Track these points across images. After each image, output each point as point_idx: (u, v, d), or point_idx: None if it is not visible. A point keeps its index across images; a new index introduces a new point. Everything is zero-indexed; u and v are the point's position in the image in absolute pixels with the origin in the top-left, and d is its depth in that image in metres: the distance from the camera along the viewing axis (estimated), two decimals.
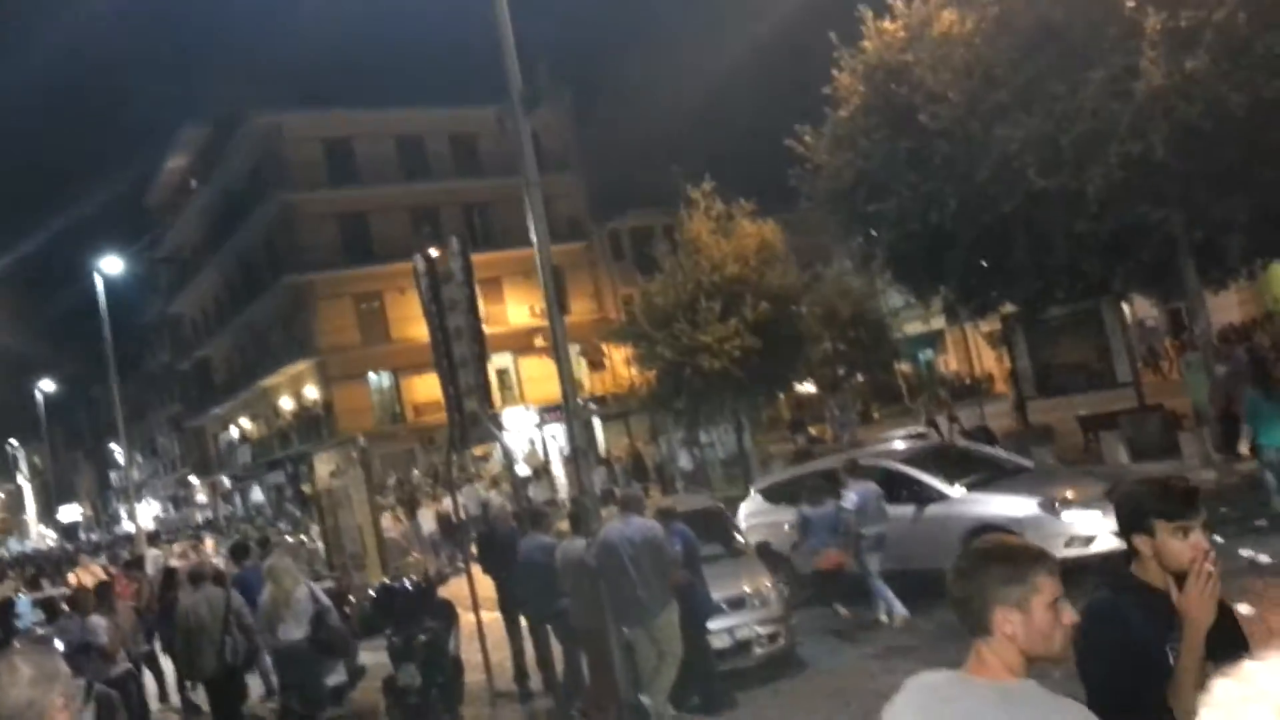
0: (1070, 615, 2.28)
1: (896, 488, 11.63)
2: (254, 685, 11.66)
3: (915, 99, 16.04)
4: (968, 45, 15.38)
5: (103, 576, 16.79)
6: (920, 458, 12.63)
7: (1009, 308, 20.03)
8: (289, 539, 20.94)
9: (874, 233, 18.40)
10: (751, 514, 13.76)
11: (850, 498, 11.10)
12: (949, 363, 44.02)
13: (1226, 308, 24.45)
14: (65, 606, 11.60)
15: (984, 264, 17.12)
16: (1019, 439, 18.68)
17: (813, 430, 31.05)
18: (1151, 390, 19.99)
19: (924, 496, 11.44)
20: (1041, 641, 2.26)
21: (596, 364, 37.29)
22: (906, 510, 11.37)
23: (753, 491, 14.55)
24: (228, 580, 11.30)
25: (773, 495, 13.79)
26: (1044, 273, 16.70)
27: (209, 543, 24.61)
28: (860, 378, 35.28)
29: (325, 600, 10.25)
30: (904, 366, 43.16)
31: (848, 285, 32.39)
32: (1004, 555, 2.32)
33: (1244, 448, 12.27)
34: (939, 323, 39.34)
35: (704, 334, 22.27)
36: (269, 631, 10.06)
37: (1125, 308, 19.43)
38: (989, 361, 39.48)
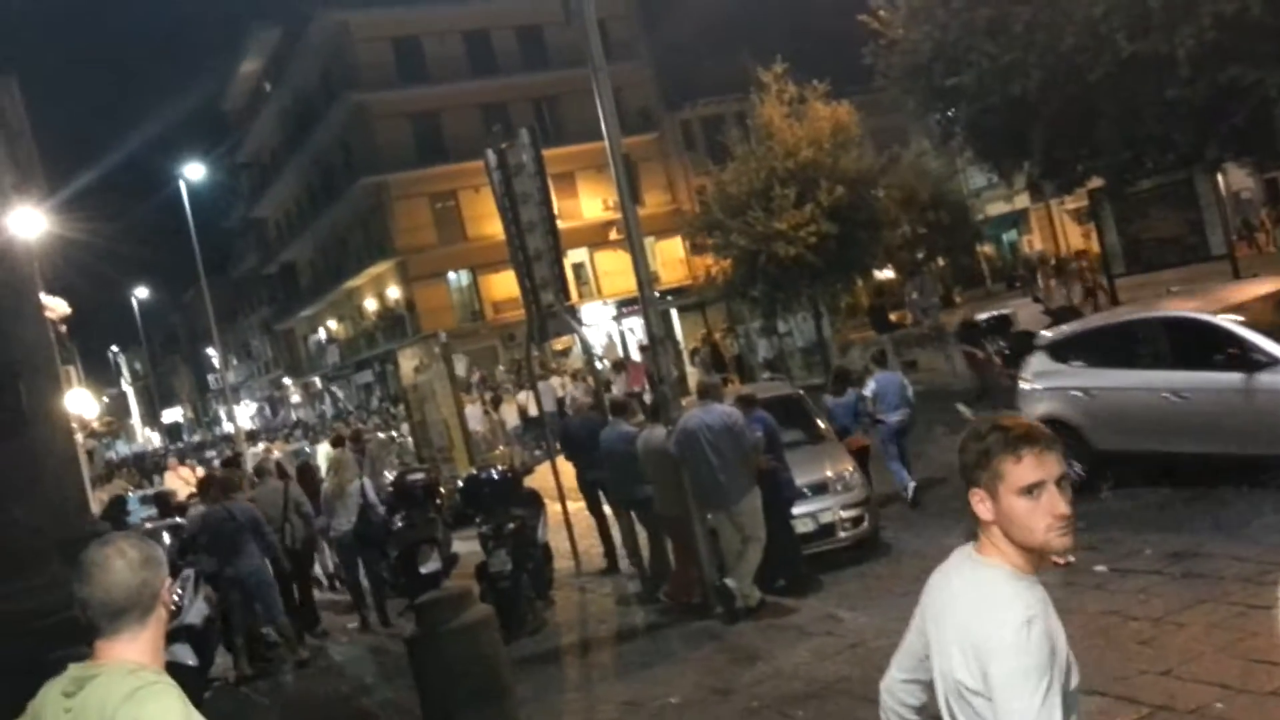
0: (1061, 505, 2.11)
1: (1209, 350, 8.92)
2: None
3: None
4: None
5: (191, 478, 17.60)
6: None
7: (1096, 182, 19.39)
8: (380, 434, 21.58)
9: (953, 109, 17.88)
10: (1038, 375, 10.61)
11: (870, 385, 11.71)
12: (1033, 242, 42.92)
13: None
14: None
15: (1069, 136, 16.53)
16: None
17: (893, 316, 30.71)
18: (1246, 265, 19.28)
19: (1252, 362, 8.59)
20: (1018, 531, 2.14)
21: (701, 246, 36.23)
22: (1230, 378, 8.66)
23: (1037, 352, 11.01)
24: (289, 474, 12.43)
25: (1066, 352, 10.54)
26: (1133, 143, 16.10)
27: (277, 444, 25.45)
28: (941, 261, 34.66)
29: (372, 497, 11.26)
30: (986, 248, 42.21)
31: (926, 166, 31.61)
32: (974, 435, 2.21)
33: None
34: (1022, 201, 38.29)
35: (779, 221, 22.04)
36: (328, 519, 11.18)
37: (1219, 178, 18.63)
38: (1075, 239, 38.41)
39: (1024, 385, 10.67)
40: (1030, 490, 2.11)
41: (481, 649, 6.39)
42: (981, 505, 2.18)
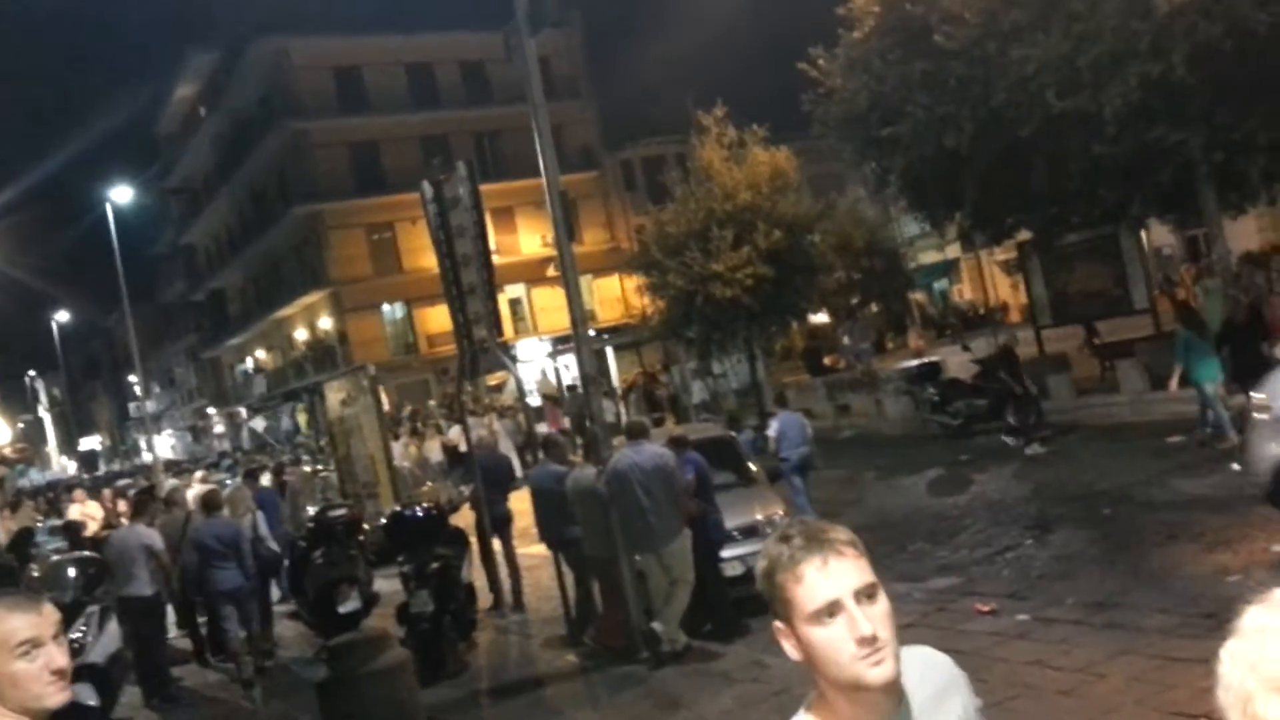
0: (862, 625, 1.58)
1: None
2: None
3: (931, 19, 15.68)
4: None
5: (96, 512, 17.05)
6: None
7: (1025, 235, 19.80)
8: (304, 468, 21.11)
9: (888, 159, 18.15)
10: None
11: (773, 425, 12.80)
12: (963, 291, 43.75)
13: (1245, 234, 24.09)
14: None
15: (1000, 189, 16.86)
16: (1035, 368, 18.58)
17: (827, 360, 30.97)
18: (1167, 318, 19.80)
19: None
20: (826, 668, 1.62)
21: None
22: None
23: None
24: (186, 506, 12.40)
25: None
26: (1061, 198, 16.48)
27: (199, 475, 24.77)
28: (874, 307, 35.10)
29: (264, 530, 11.91)
30: (918, 296, 42.92)
31: (861, 213, 32.07)
32: (764, 552, 1.72)
33: (1173, 385, 12.85)
34: (954, 251, 39.03)
35: (716, 262, 22.12)
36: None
37: (1143, 234, 19.15)
38: (1004, 290, 39.21)
39: (1258, 415, 7.92)
40: (822, 615, 1.60)
41: (397, 693, 6.20)
42: (786, 642, 1.68)
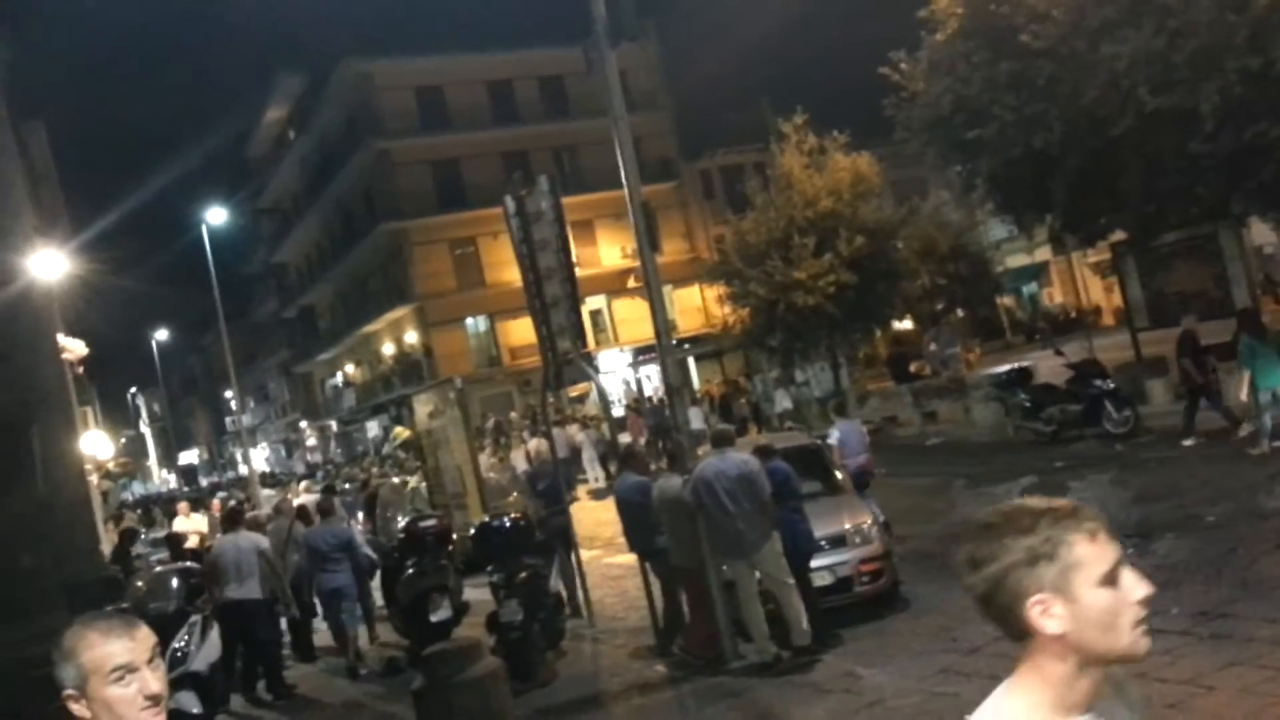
0: (1142, 589, 1.60)
1: None
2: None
3: (1016, 19, 15.42)
4: None
5: (200, 524, 17.56)
6: None
7: (1118, 235, 19.29)
8: (394, 479, 21.47)
9: (974, 162, 17.87)
10: None
11: (833, 433, 12.69)
12: (1053, 295, 42.73)
13: None
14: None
15: (1091, 189, 16.46)
16: (1132, 372, 18.07)
17: (912, 367, 30.53)
18: (1271, 320, 19.09)
19: None
20: (1101, 635, 1.59)
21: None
22: None
23: None
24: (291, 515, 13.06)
25: None
26: (1156, 197, 16.02)
27: (302, 486, 25.38)
28: (960, 313, 34.53)
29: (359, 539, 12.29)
30: (1006, 300, 42.06)
31: (946, 217, 31.60)
32: (1019, 522, 1.64)
33: (1243, 393, 12.72)
34: (1044, 254, 38.19)
35: (798, 270, 22.02)
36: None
37: (1243, 233, 18.51)
38: (1096, 293, 38.22)
39: None
40: (1111, 579, 1.59)
41: (490, 702, 6.25)
42: (1053, 606, 1.61)
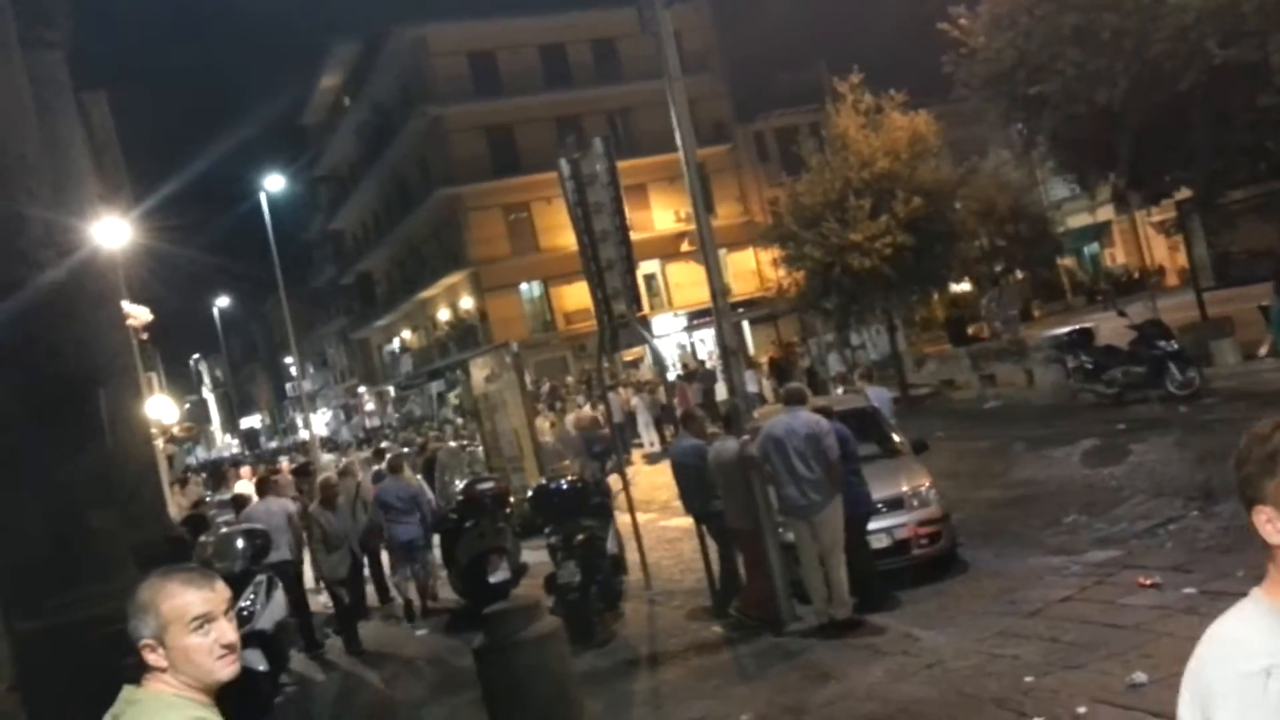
0: None
1: None
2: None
3: None
4: None
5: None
6: None
7: (1184, 193, 18.80)
8: (451, 443, 21.73)
9: (1036, 119, 17.49)
10: None
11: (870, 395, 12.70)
12: (1115, 256, 41.83)
13: None
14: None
15: (1157, 146, 16.05)
16: (1196, 332, 17.67)
17: (970, 330, 30.12)
18: None
19: None
20: None
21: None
22: None
23: None
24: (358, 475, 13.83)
25: None
26: (1224, 153, 15.56)
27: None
28: (1020, 274, 33.94)
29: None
30: (1067, 261, 41.24)
31: (1005, 177, 30.93)
32: (1257, 437, 1.77)
33: (1263, 350, 12.69)
34: (1106, 213, 37.39)
35: (853, 232, 21.75)
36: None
37: None
38: (1160, 253, 37.37)
39: None
40: None
41: (550, 662, 6.32)
42: (1270, 525, 1.74)
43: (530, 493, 11.99)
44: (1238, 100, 13.95)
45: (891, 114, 23.15)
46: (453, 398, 44.74)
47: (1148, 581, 7.78)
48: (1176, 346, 15.65)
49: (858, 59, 23.87)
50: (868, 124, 23.13)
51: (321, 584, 12.31)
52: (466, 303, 43.74)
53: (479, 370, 17.01)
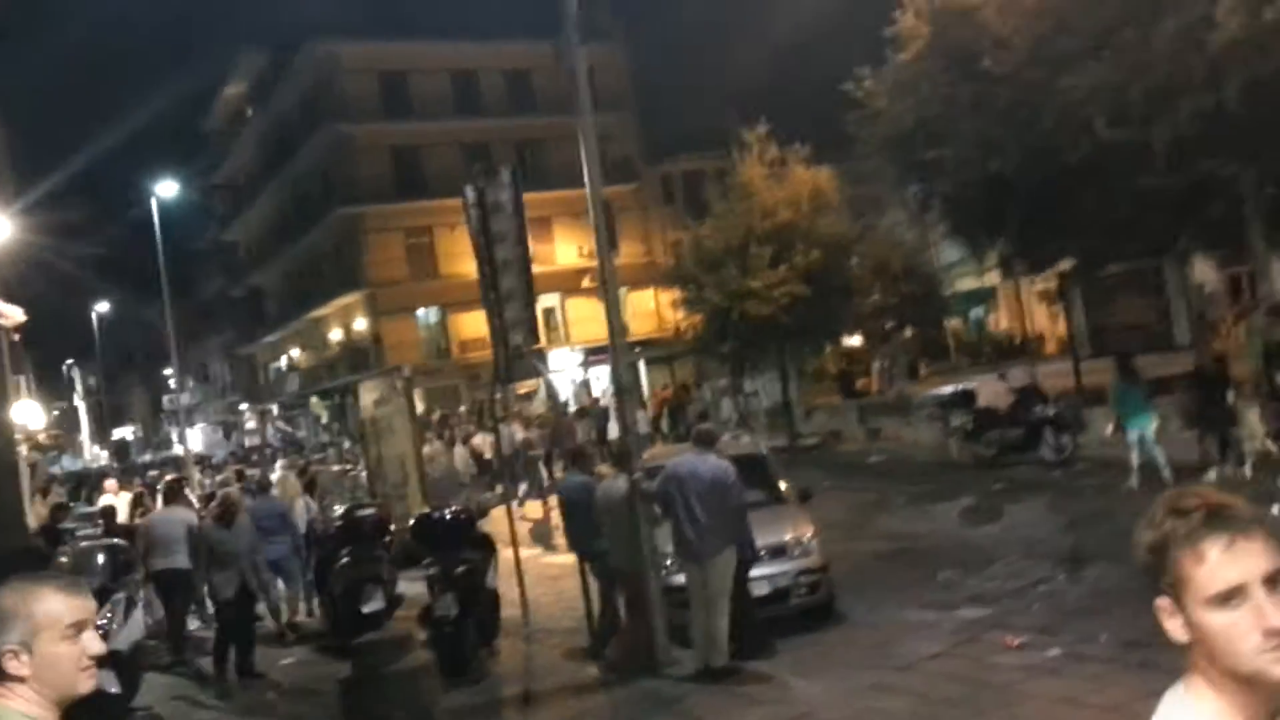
0: (1271, 617, 1.48)
1: None
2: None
3: (981, 43, 15.59)
4: None
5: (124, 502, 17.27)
6: None
7: (1066, 264, 19.59)
8: (333, 467, 21.22)
9: (932, 182, 18.06)
10: None
11: None
12: (1000, 320, 43.31)
13: None
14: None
15: (1042, 217, 16.70)
16: (1071, 400, 18.33)
17: (860, 384, 30.78)
18: (1203, 356, 19.46)
19: None
20: (1220, 656, 1.52)
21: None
22: None
23: None
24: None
25: None
26: (1105, 228, 16.27)
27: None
28: (909, 333, 34.89)
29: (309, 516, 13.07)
30: (954, 322, 42.54)
31: (900, 237, 31.87)
32: (1149, 520, 1.62)
33: (1108, 431, 14.09)
34: (993, 279, 38.67)
35: (753, 279, 22.07)
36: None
37: (1188, 269, 18.91)
38: (1041, 320, 38.80)
39: None
40: (1225, 599, 1.50)
41: (419, 695, 6.16)
42: (1170, 621, 1.59)
43: (412, 521, 11.73)
44: (1122, 179, 14.60)
45: (795, 167, 23.67)
46: (324, 417, 43.80)
47: (1014, 642, 7.96)
48: (1053, 412, 16.23)
49: (767, 111, 24.40)
50: (772, 175, 23.60)
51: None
52: (360, 324, 42.95)
53: (368, 394, 16.66)
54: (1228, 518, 1.54)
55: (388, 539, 11.92)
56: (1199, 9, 12.87)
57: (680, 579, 8.74)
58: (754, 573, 9.06)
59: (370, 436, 16.64)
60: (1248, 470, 12.60)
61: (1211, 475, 12.55)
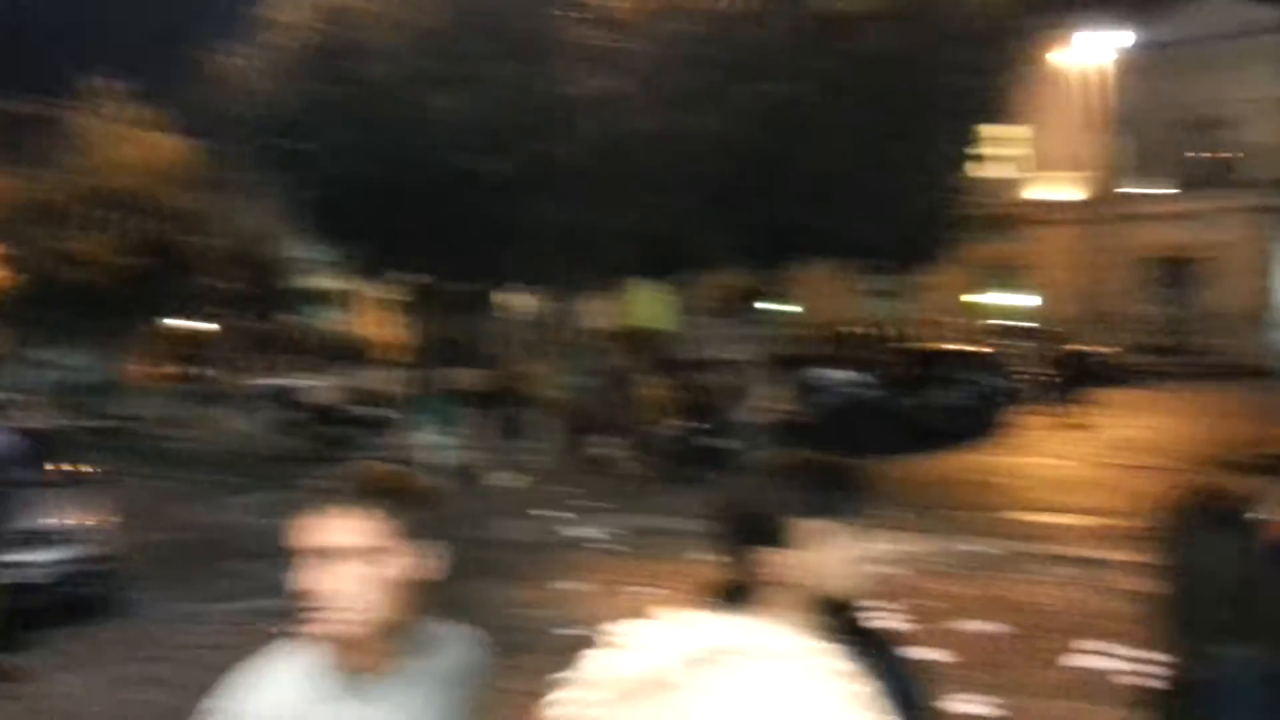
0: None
1: None
2: None
3: (361, 48, 15.63)
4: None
5: None
6: None
7: (407, 277, 20.39)
8: None
9: (286, 177, 17.70)
10: None
11: None
12: (346, 323, 43.89)
13: (606, 314, 26.92)
14: None
15: (389, 229, 17.11)
16: (398, 403, 19.17)
17: (188, 369, 29.22)
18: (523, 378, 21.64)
19: None
20: None
21: None
22: None
23: None
24: None
25: None
26: (443, 249, 17.09)
27: None
28: (249, 321, 33.95)
29: None
30: (295, 318, 42.19)
31: (253, 224, 30.97)
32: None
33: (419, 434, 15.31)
34: (337, 281, 39.04)
35: (74, 242, 19.95)
36: None
37: (507, 296, 20.79)
38: (385, 327, 40.00)
39: None
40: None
41: None
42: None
43: None
44: (461, 204, 15.42)
45: (145, 131, 21.95)
46: None
47: (275, 631, 8.06)
48: (372, 414, 16.87)
49: (109, 62, 22.25)
50: (118, 135, 21.62)
51: None
52: None
53: None
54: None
55: None
56: (528, 67, 14.22)
57: None
58: (24, 557, 8.16)
59: None
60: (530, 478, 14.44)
61: (504, 476, 14.17)
